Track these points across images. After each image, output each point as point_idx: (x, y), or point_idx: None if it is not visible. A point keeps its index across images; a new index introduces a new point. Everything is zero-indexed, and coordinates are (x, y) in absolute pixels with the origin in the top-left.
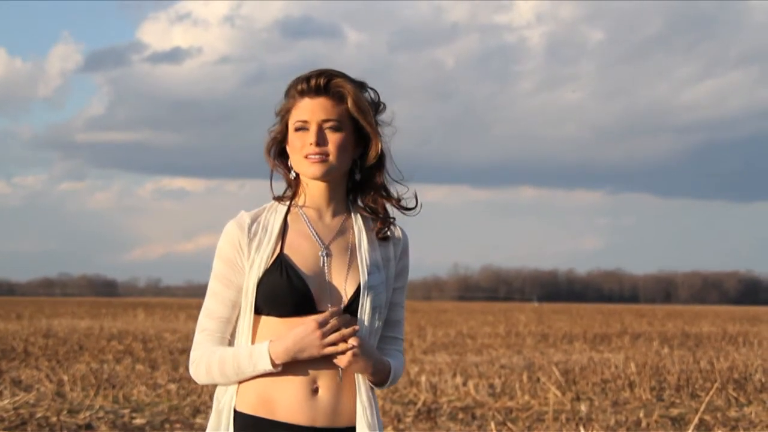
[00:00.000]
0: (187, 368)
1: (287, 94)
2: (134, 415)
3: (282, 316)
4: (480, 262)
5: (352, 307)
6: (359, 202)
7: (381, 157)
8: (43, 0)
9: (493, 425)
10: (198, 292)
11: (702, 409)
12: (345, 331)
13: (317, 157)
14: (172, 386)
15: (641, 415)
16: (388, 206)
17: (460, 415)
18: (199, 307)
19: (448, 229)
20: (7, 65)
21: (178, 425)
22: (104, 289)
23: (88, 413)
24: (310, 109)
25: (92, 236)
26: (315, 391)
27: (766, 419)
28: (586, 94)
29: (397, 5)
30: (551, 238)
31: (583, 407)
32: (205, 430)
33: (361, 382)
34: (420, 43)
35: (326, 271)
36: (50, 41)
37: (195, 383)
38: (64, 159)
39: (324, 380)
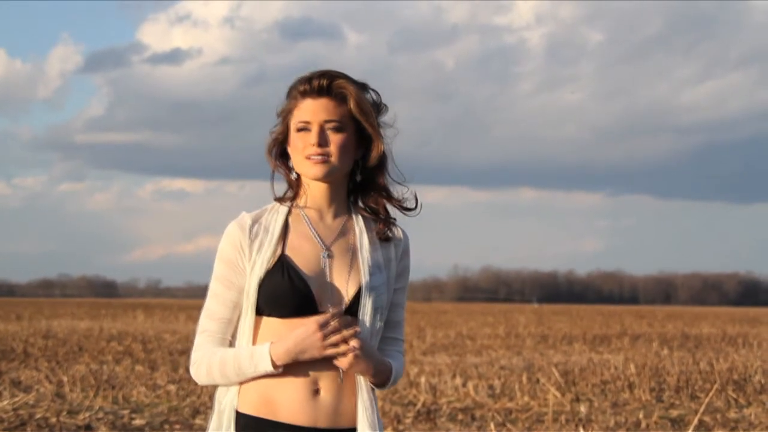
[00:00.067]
0: (186, 369)
1: (289, 94)
2: (134, 415)
3: (283, 317)
4: (480, 263)
5: (353, 308)
6: (360, 203)
7: (383, 159)
8: (43, 1)
9: (492, 426)
10: (198, 293)
11: (701, 410)
12: (346, 332)
13: (319, 157)
14: (172, 387)
15: (641, 416)
16: (389, 207)
17: (460, 416)
18: (199, 308)
19: (448, 230)
20: (7, 66)
21: (177, 426)
22: (104, 290)
23: (87, 414)
24: (312, 110)
25: (92, 237)
26: (316, 392)
27: (765, 420)
28: (585, 95)
29: (397, 6)
30: (551, 240)
31: (583, 408)
32: (205, 430)
33: (362, 383)
34: (420, 44)
35: (327, 272)
36: (50, 42)
37: (194, 384)
38: (63, 160)
39: (325, 381)
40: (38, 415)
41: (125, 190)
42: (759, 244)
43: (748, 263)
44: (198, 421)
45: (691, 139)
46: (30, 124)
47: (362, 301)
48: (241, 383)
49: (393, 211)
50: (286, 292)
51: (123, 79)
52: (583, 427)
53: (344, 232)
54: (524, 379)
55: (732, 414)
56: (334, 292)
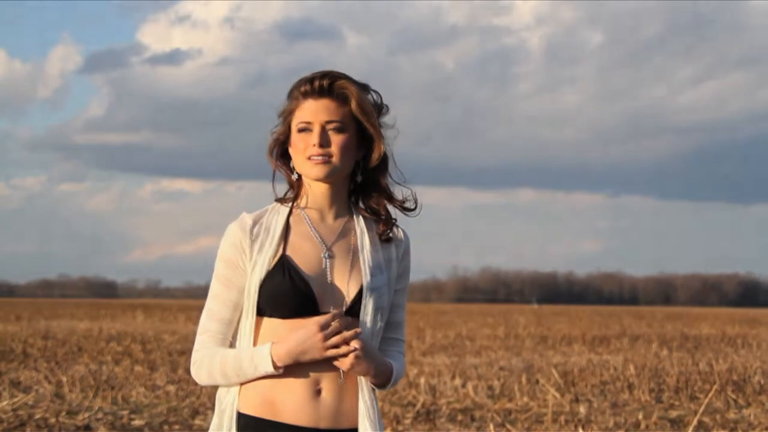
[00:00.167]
0: (185, 370)
1: (290, 95)
2: (133, 416)
3: (284, 318)
4: (479, 264)
5: (354, 309)
6: (361, 204)
7: (384, 159)
8: (43, 1)
9: (492, 427)
10: (197, 293)
11: (701, 411)
12: (347, 333)
13: (320, 158)
14: (171, 387)
15: (640, 416)
16: (390, 208)
17: (459, 417)
18: (198, 308)
19: (447, 231)
20: (6, 66)
21: (176, 426)
22: (103, 290)
23: (86, 414)
24: (314, 111)
25: (91, 238)
26: (318, 392)
27: (765, 421)
28: (585, 97)
29: (397, 7)
30: (551, 240)
31: (582, 409)
32: (205, 431)
33: (364, 384)
34: (419, 45)
35: (329, 272)
36: (50, 42)
37: (194, 384)
38: (63, 160)
39: (327, 382)
40: (37, 416)
41: (125, 190)
42: (758, 245)
43: (748, 264)
44: (197, 421)
45: (691, 140)
46: (30, 125)
47: (363, 301)
48: (242, 384)
49: (394, 212)
50: (287, 292)
51: (123, 80)
52: (583, 428)
53: (345, 232)
54: (524, 379)
55: (731, 415)
56: (336, 293)
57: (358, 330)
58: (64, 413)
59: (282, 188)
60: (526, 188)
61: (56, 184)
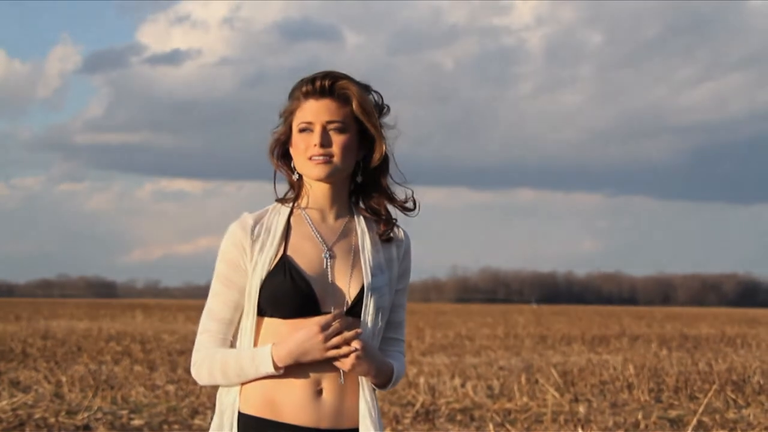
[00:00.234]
0: (185, 369)
1: (291, 95)
2: (132, 416)
3: (285, 318)
4: (479, 263)
5: (355, 309)
6: (361, 204)
7: (385, 160)
8: (42, 1)
9: (491, 427)
10: (197, 293)
11: (700, 410)
12: (347, 334)
13: (321, 158)
14: (171, 387)
15: (639, 416)
16: (390, 208)
17: (459, 417)
18: (197, 308)
19: (447, 231)
20: (6, 66)
21: (176, 426)
22: (103, 290)
23: (86, 414)
24: (315, 111)
25: (91, 238)
26: (319, 392)
27: (764, 421)
28: (585, 97)
29: (396, 7)
30: (550, 240)
31: (582, 409)
32: (204, 431)
33: (365, 384)
34: (419, 45)
35: (330, 272)
36: (49, 42)
37: (193, 384)
38: (62, 160)
39: (328, 382)
40: (37, 416)
41: (124, 190)
42: (758, 245)
43: (747, 264)
44: (197, 421)
45: (691, 140)
46: (29, 125)
47: (365, 301)
48: (242, 384)
49: (394, 212)
50: (288, 292)
51: (122, 80)
52: (582, 428)
53: (346, 232)
54: (523, 379)
55: (731, 414)
56: (337, 293)
57: (359, 330)
58: (63, 413)
59: (282, 188)
60: (526, 188)
61: (56, 184)
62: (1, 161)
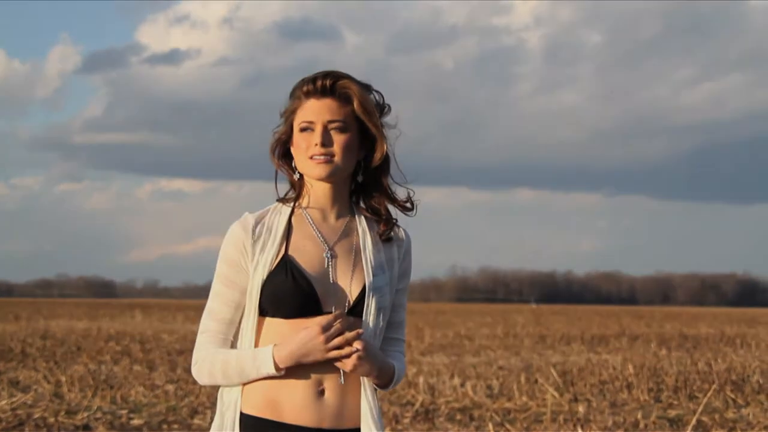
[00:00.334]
0: (184, 369)
1: (292, 95)
2: (132, 415)
3: (287, 318)
4: (478, 263)
5: (357, 309)
6: (362, 204)
7: (386, 159)
8: (42, 1)
9: (491, 426)
10: (196, 293)
11: (700, 410)
12: (349, 334)
13: (323, 157)
14: (170, 387)
15: (639, 416)
16: (390, 208)
17: (458, 416)
18: (197, 308)
19: (446, 230)
20: (5, 66)
21: (175, 426)
22: (102, 290)
23: (85, 414)
24: (316, 110)
25: (90, 237)
26: (321, 392)
27: (763, 420)
28: (584, 97)
29: (396, 7)
30: (549, 240)
31: (581, 408)
32: (205, 431)
33: (366, 384)
34: (418, 45)
35: (331, 272)
36: (49, 43)
37: (193, 384)
38: (62, 160)
39: (330, 382)
40: (36, 415)
41: (123, 190)
42: (757, 245)
43: (746, 264)
44: (196, 420)
45: (689, 140)
46: (29, 124)
47: (366, 301)
48: (244, 384)
49: (394, 212)
50: (289, 292)
51: (122, 80)
52: (582, 427)
53: (347, 232)
54: (522, 379)
55: (730, 414)
56: (338, 293)
57: (361, 331)
58: (63, 413)
59: (283, 188)
60: (525, 188)
61: (55, 184)
62: (0, 161)
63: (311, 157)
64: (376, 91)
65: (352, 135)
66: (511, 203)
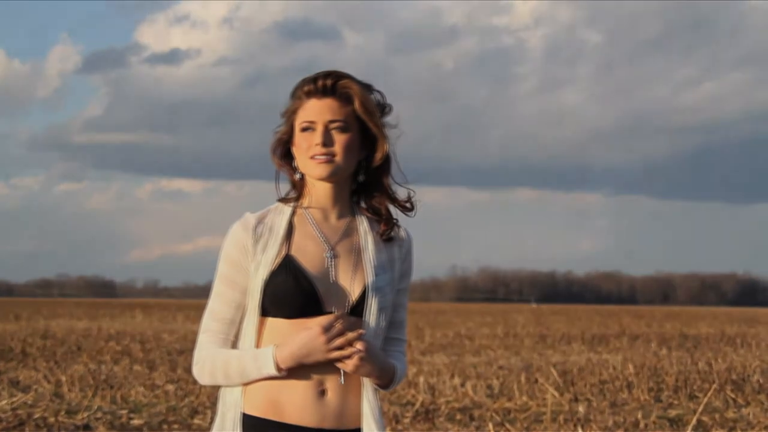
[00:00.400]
0: (185, 369)
1: (293, 95)
2: (132, 415)
3: (289, 317)
4: (478, 263)
5: (358, 309)
6: (363, 204)
7: (387, 159)
8: (42, 1)
9: (491, 426)
10: (196, 293)
11: (700, 410)
12: (350, 335)
13: (324, 157)
14: (170, 387)
15: (639, 416)
16: (391, 208)
17: (458, 416)
18: (197, 308)
19: (446, 230)
20: (5, 66)
21: (176, 426)
22: (102, 290)
23: (86, 414)
24: (317, 110)
25: (90, 237)
26: (322, 393)
27: (764, 420)
28: (584, 96)
29: (396, 7)
30: (549, 240)
31: (581, 408)
32: (205, 431)
33: (367, 384)
34: (418, 45)
35: (332, 272)
36: (49, 42)
37: (193, 384)
38: (62, 160)
39: (331, 382)
40: (36, 415)
41: (124, 190)
42: (757, 245)
43: (747, 263)
44: (196, 420)
45: (690, 140)
46: (29, 124)
47: (367, 301)
48: (245, 384)
49: (395, 212)
50: (291, 292)
51: (122, 80)
52: (582, 427)
53: (348, 232)
54: (523, 379)
55: (730, 414)
56: (339, 292)
57: (362, 331)
58: (63, 412)
59: (284, 188)
60: (525, 188)
61: (55, 184)
62: (0, 161)
63: (312, 157)
64: (377, 91)
65: (353, 135)
66: (511, 203)
